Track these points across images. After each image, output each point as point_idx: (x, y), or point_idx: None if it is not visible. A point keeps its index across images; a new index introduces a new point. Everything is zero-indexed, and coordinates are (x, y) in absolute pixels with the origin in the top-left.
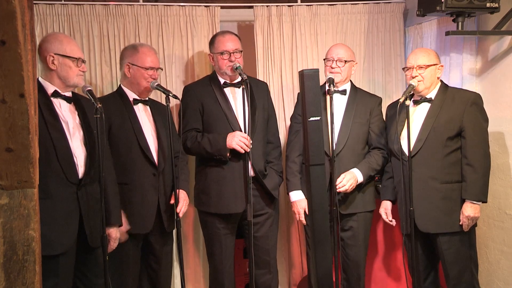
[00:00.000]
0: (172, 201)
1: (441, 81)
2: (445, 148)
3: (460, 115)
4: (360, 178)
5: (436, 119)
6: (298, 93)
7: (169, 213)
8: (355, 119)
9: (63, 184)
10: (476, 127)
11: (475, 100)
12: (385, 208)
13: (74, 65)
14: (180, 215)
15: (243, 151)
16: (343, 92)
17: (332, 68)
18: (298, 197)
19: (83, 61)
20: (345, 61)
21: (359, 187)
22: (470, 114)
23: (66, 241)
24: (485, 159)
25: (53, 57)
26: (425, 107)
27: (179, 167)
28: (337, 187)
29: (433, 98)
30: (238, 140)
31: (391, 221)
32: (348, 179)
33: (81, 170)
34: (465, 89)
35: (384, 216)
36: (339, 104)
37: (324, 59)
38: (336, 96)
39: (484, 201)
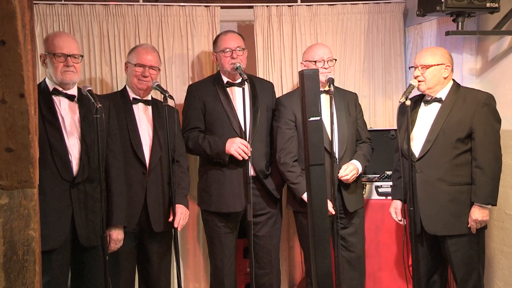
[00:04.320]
0: (170, 219)
1: (453, 80)
2: (454, 149)
3: (471, 116)
4: (360, 169)
5: (446, 120)
6: (279, 98)
7: (159, 214)
8: (348, 118)
9: (56, 181)
10: (487, 129)
11: (487, 101)
12: (395, 208)
13: (55, 60)
14: (179, 229)
15: (241, 158)
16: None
17: (325, 68)
18: None
19: (73, 56)
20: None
21: (354, 183)
22: (481, 115)
23: (56, 238)
24: (495, 162)
25: (44, 56)
26: (435, 107)
27: (177, 174)
28: (339, 176)
29: (443, 98)
30: (237, 147)
31: (400, 220)
32: (351, 170)
33: (75, 168)
34: (478, 89)
35: (394, 216)
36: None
37: (309, 61)
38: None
39: (494, 204)
